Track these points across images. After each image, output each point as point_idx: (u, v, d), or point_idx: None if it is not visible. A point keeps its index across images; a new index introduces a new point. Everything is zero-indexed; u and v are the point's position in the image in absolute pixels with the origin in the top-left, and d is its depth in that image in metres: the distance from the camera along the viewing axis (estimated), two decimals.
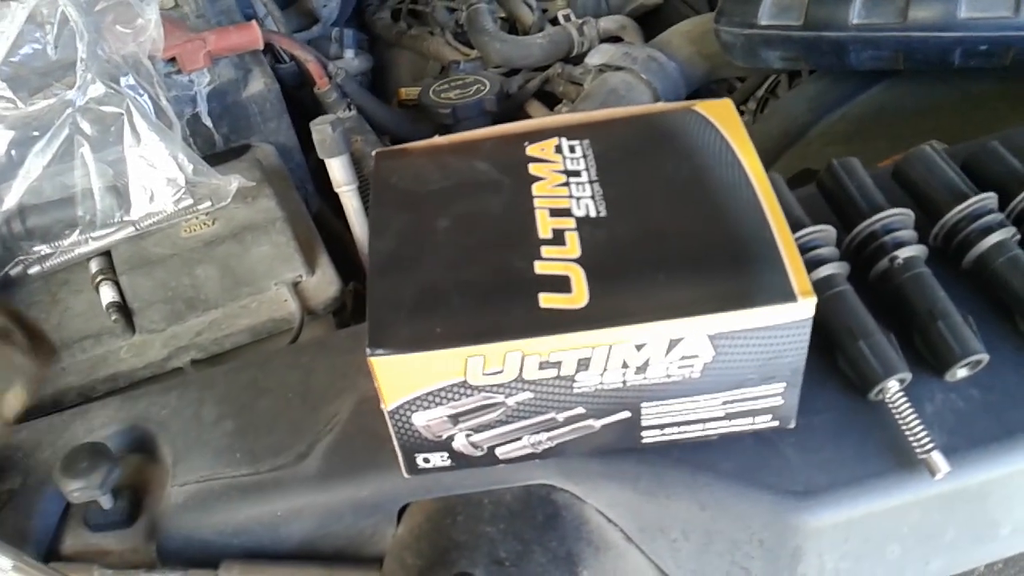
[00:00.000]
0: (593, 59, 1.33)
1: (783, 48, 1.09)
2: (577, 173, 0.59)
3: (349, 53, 1.50)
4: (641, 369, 0.53)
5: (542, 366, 0.52)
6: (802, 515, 0.58)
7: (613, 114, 0.65)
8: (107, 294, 0.89)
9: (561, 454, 0.59)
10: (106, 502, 0.66)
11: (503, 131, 0.65)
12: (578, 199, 0.58)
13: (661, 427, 0.57)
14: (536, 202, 0.58)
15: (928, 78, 1.28)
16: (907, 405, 0.59)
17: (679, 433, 0.58)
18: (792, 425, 0.59)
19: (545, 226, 0.56)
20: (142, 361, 0.87)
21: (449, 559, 0.59)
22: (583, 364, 0.52)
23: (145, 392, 0.73)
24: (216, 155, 1.08)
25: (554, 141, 0.62)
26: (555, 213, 0.57)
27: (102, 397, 0.86)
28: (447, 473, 0.60)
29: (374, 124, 1.31)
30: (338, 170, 1.00)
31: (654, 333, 0.51)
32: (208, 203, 0.93)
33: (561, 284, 0.53)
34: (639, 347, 0.52)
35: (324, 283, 0.93)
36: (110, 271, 0.91)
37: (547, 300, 0.52)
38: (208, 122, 1.09)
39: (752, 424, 0.58)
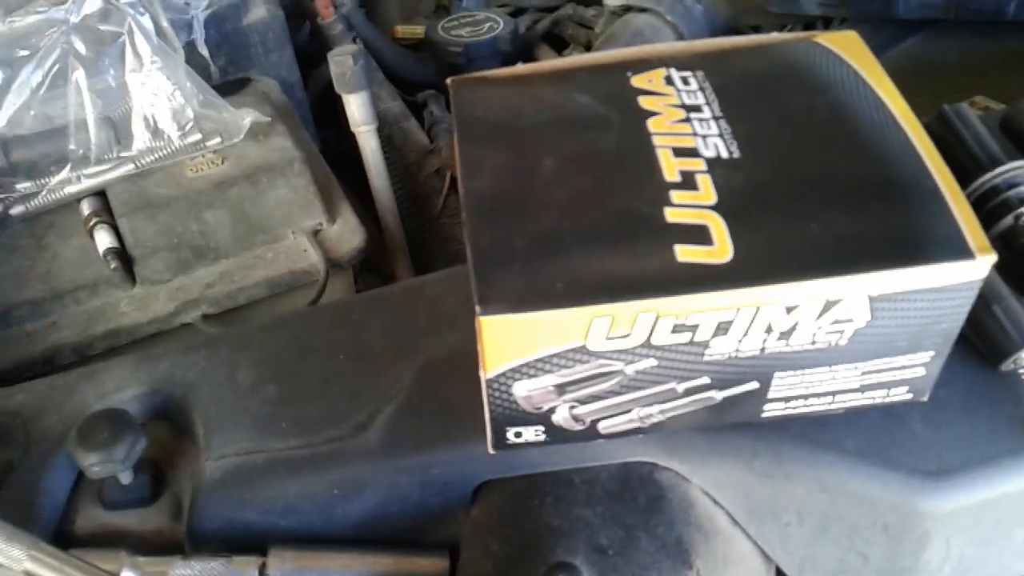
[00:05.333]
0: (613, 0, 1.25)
1: None
2: (698, 108, 0.52)
3: None
4: (786, 335, 0.46)
5: (676, 329, 0.45)
6: (934, 497, 0.52)
7: (723, 44, 0.57)
8: (104, 239, 0.79)
9: (667, 429, 0.52)
10: (126, 477, 0.58)
11: (596, 60, 0.57)
12: (704, 137, 0.50)
13: (787, 400, 0.51)
14: (655, 140, 0.50)
15: (967, 32, 1.22)
16: None
17: (804, 407, 0.52)
18: (926, 398, 0.53)
19: (671, 167, 0.48)
20: (145, 315, 0.78)
21: (543, 546, 0.51)
22: (722, 328, 0.45)
23: (164, 351, 0.64)
24: (214, 88, 0.97)
25: (662, 72, 0.55)
26: (680, 153, 0.49)
27: (102, 355, 0.77)
28: (534, 448, 0.52)
29: (378, 62, 1.21)
30: (357, 108, 0.91)
31: (810, 293, 0.44)
32: (218, 139, 0.83)
33: (699, 235, 0.45)
34: (790, 309, 0.45)
35: (347, 232, 0.84)
36: (106, 213, 0.81)
37: (685, 253, 0.45)
38: (205, 51, 0.98)
39: (885, 397, 0.52)
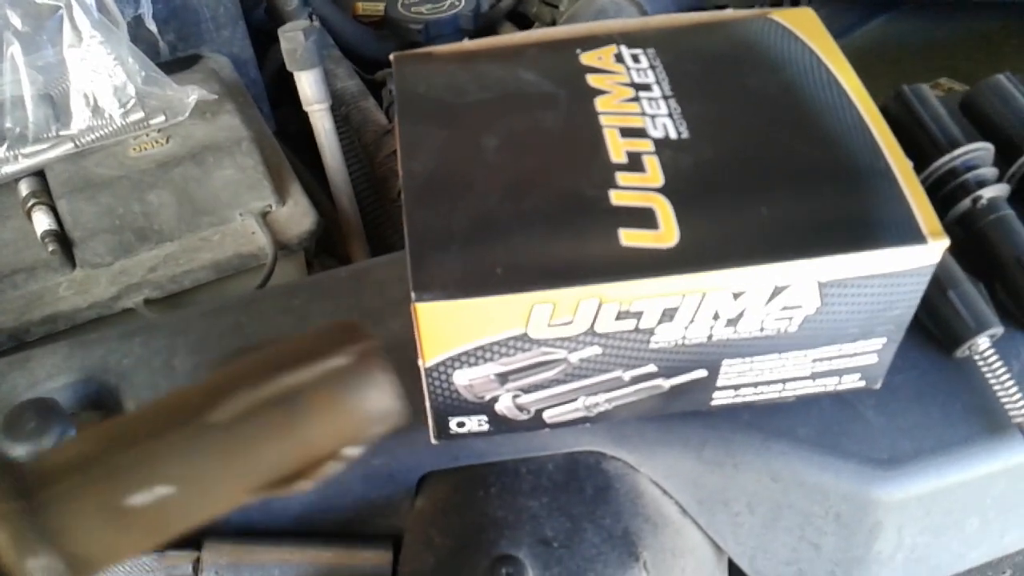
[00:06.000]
0: None
1: None
2: (647, 87, 0.50)
3: None
4: (733, 321, 0.45)
5: (620, 316, 0.43)
6: (886, 486, 0.51)
7: (677, 20, 0.55)
8: (42, 221, 0.76)
9: (614, 418, 0.50)
10: None
11: (545, 36, 0.55)
12: (653, 117, 0.48)
13: (736, 388, 0.49)
14: (602, 119, 0.48)
15: (931, 13, 1.22)
16: (1000, 364, 0.53)
17: (754, 394, 0.50)
18: (878, 386, 0.51)
19: (617, 148, 0.47)
20: (85, 300, 0.75)
21: (486, 538, 0.50)
22: (668, 315, 0.44)
23: (100, 337, 0.61)
24: (162, 65, 0.94)
25: (612, 49, 0.53)
26: (627, 133, 0.47)
27: (40, 341, 0.74)
28: (479, 438, 0.51)
29: (335, 39, 1.18)
30: (309, 86, 0.88)
31: (758, 278, 0.43)
32: (162, 118, 0.81)
33: (645, 218, 0.44)
34: (736, 295, 0.43)
35: (297, 214, 0.82)
36: (44, 194, 0.78)
37: (629, 237, 0.43)
38: (152, 26, 0.95)
39: (837, 384, 0.51)
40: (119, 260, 0.77)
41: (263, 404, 0.33)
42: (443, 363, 0.45)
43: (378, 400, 0.35)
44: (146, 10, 0.94)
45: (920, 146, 0.61)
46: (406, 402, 0.35)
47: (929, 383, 0.54)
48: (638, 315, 0.43)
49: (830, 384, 0.50)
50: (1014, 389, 0.52)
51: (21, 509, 0.30)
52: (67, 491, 0.31)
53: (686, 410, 0.51)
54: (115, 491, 0.31)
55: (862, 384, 0.51)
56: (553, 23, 1.29)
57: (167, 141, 0.81)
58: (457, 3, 1.19)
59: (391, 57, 0.54)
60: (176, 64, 0.96)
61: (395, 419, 0.35)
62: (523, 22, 1.35)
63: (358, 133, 1.09)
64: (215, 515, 0.36)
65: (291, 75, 0.92)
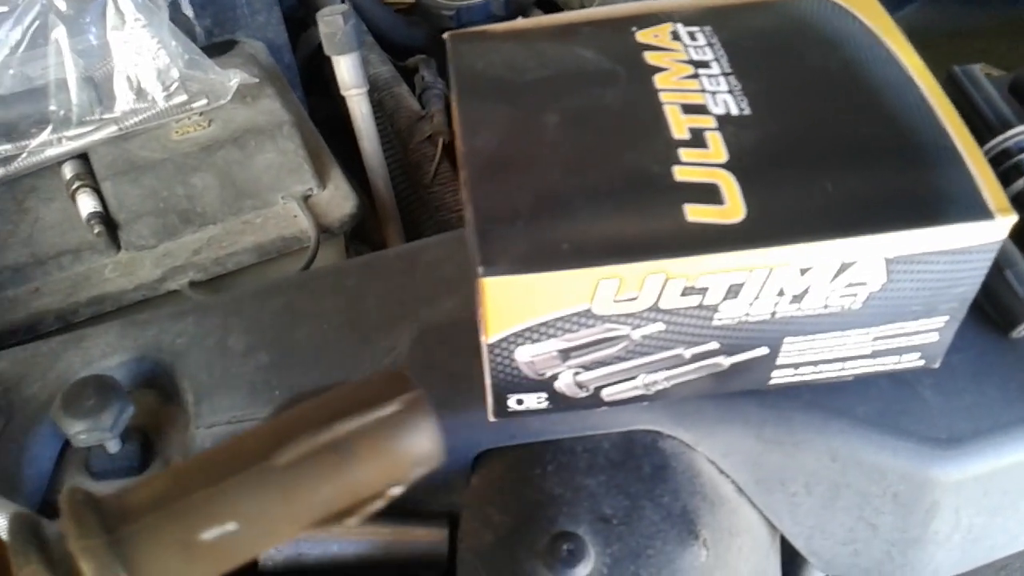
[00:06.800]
0: None
1: None
2: (706, 64, 0.50)
3: None
4: (798, 298, 0.45)
5: (685, 292, 0.43)
6: (945, 466, 0.51)
7: (730, 0, 0.55)
8: (87, 203, 0.77)
9: (672, 396, 0.50)
10: (113, 446, 0.56)
11: (599, 14, 0.55)
12: (713, 94, 0.48)
13: (796, 366, 0.49)
14: (663, 96, 0.48)
15: (962, 1, 1.21)
16: None
17: (813, 373, 0.50)
18: (937, 365, 0.51)
19: (679, 125, 0.46)
20: (131, 282, 0.76)
21: (545, 516, 0.50)
22: (733, 291, 0.44)
23: (152, 317, 0.62)
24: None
25: (668, 26, 0.53)
26: (689, 110, 0.47)
27: (87, 322, 0.74)
28: (535, 416, 0.51)
29: (367, 25, 1.18)
30: (348, 70, 0.88)
31: (825, 254, 0.43)
32: (204, 101, 0.81)
33: (710, 193, 0.43)
34: (803, 271, 0.43)
35: (339, 198, 0.82)
36: (89, 177, 0.79)
37: (695, 212, 0.43)
38: (189, 12, 0.95)
39: (897, 363, 0.50)
40: (163, 242, 0.77)
41: (320, 449, 0.36)
42: (506, 339, 0.45)
43: (421, 446, 0.38)
44: None
45: (973, 127, 0.60)
46: (443, 444, 0.38)
47: (986, 363, 0.54)
48: (703, 291, 0.43)
49: (889, 363, 0.50)
50: None
51: (106, 543, 0.33)
52: (146, 527, 0.34)
53: (743, 389, 0.51)
54: (189, 527, 0.34)
55: (922, 363, 0.51)
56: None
57: (209, 124, 0.81)
58: None
59: (445, 36, 0.54)
60: (213, 49, 0.96)
61: (436, 462, 0.39)
62: (552, 9, 1.35)
63: (391, 119, 1.09)
64: (272, 546, 0.37)
65: (321, 62, 0.92)
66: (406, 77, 1.17)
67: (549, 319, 0.44)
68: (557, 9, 1.34)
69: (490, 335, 0.45)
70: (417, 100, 1.13)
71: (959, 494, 0.52)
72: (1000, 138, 0.58)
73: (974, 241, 0.43)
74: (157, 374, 0.59)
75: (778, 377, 0.50)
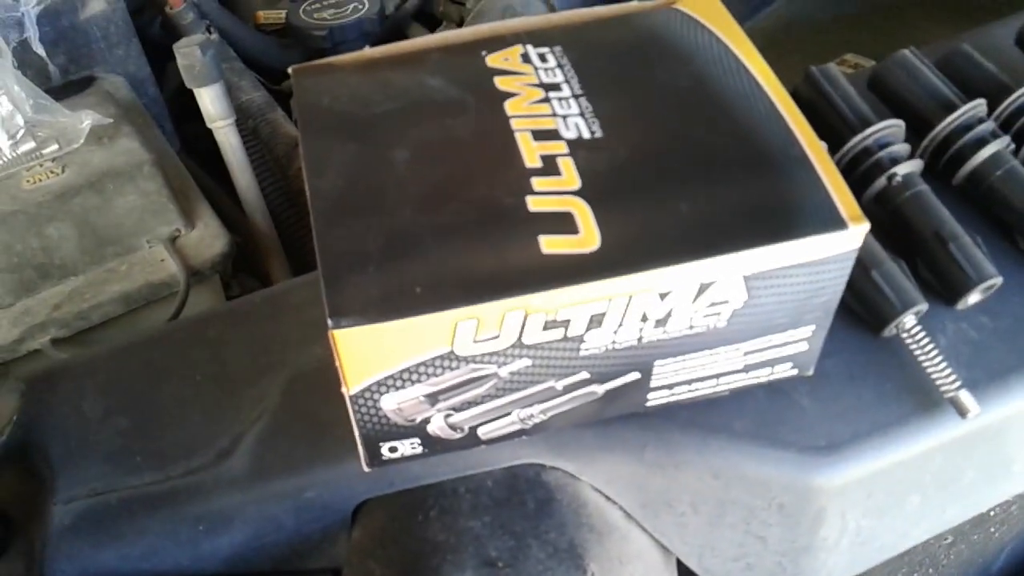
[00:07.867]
0: None
1: None
2: (556, 87, 0.49)
3: None
4: (662, 322, 0.44)
5: (547, 326, 0.42)
6: (827, 472, 0.51)
7: (580, 16, 0.54)
8: None
9: (551, 428, 0.49)
10: None
11: (449, 39, 0.53)
12: (564, 117, 0.47)
13: (670, 387, 0.49)
14: (514, 123, 0.47)
15: None
16: (927, 340, 0.53)
17: (689, 392, 0.49)
18: (811, 373, 0.51)
19: (531, 152, 0.45)
20: None
21: (428, 566, 0.48)
22: (596, 320, 0.42)
23: (2, 385, 0.58)
24: (53, 90, 0.89)
25: (518, 49, 0.51)
26: (540, 136, 0.46)
27: None
28: (413, 461, 0.49)
29: (237, 50, 1.14)
30: (211, 102, 0.85)
31: (682, 277, 0.42)
32: (55, 146, 0.76)
33: (564, 223, 0.42)
34: (663, 295, 0.42)
35: (208, 237, 0.79)
36: None
37: (550, 244, 0.42)
38: (40, 50, 0.90)
39: (770, 375, 0.50)
40: (20, 300, 0.73)
41: None
42: (368, 388, 0.43)
43: None
44: (32, 33, 0.89)
45: (832, 127, 0.61)
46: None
47: (859, 365, 0.54)
48: (565, 323, 0.42)
49: (763, 375, 0.50)
50: (943, 364, 0.52)
51: None
52: None
53: (622, 413, 0.50)
54: None
55: (795, 372, 0.51)
56: (461, 21, 1.27)
57: (63, 170, 0.76)
58: (361, 6, 1.16)
59: (290, 70, 0.51)
60: (69, 88, 0.91)
61: None
62: (431, 22, 1.33)
63: (268, 146, 1.06)
64: None
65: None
66: (282, 101, 1.14)
67: (411, 365, 0.42)
68: (438, 23, 1.33)
69: (351, 386, 0.43)
70: (294, 125, 1.10)
71: (843, 499, 0.52)
72: (859, 137, 0.59)
73: (830, 252, 0.43)
74: (11, 446, 0.55)
75: (655, 399, 0.49)
